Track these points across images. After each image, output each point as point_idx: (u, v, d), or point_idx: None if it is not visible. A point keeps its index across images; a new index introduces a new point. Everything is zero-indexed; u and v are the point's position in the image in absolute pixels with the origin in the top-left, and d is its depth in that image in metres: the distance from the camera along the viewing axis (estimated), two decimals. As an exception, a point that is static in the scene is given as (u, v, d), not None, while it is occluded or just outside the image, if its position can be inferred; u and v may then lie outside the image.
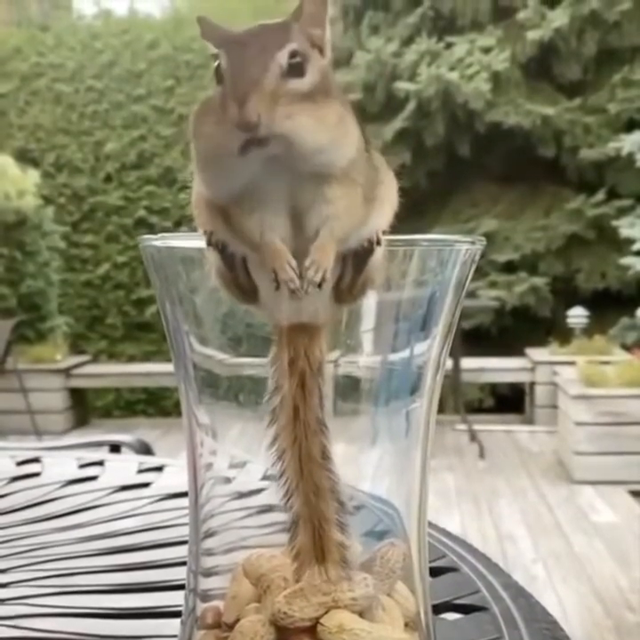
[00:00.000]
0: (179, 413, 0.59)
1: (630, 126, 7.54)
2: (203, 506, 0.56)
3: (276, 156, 0.43)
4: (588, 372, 5.46)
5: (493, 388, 7.61)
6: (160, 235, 0.54)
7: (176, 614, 0.61)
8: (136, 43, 8.64)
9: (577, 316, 7.03)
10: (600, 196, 7.84)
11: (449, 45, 8.16)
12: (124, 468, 1.25)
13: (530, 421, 6.86)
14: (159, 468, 1.25)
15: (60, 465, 1.27)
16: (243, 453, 0.56)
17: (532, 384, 6.88)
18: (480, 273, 7.60)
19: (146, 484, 1.16)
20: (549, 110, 7.91)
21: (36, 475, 1.22)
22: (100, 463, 1.28)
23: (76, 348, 8.16)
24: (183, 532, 0.61)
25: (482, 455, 5.82)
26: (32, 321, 7.55)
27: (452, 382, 6.19)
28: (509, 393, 7.41)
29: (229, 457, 0.57)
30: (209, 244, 0.48)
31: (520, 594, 0.78)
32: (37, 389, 6.89)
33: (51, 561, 0.89)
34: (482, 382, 7.37)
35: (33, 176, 7.42)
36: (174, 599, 0.72)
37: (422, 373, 0.55)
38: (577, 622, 3.27)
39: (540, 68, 8.18)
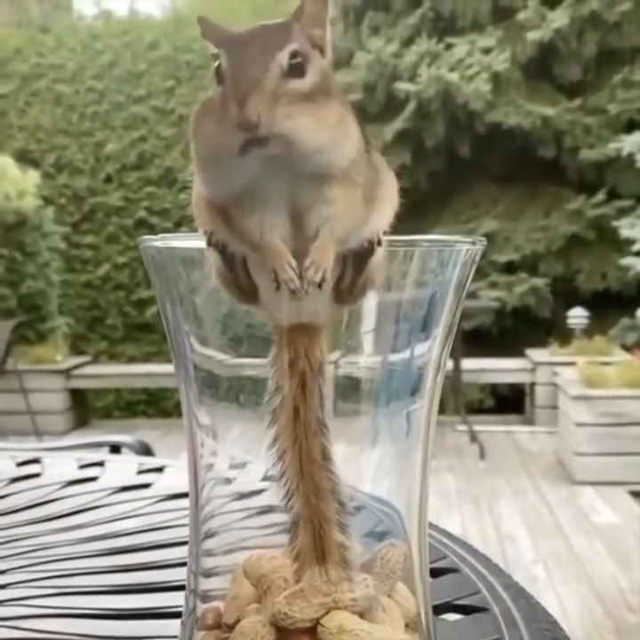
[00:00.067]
0: (179, 414, 0.59)
1: (630, 127, 7.54)
2: (203, 506, 0.56)
3: (276, 155, 0.43)
4: (589, 372, 5.46)
5: (494, 389, 7.61)
6: (160, 235, 0.54)
7: (176, 615, 0.61)
8: (136, 43, 8.65)
9: (577, 316, 7.03)
10: (600, 196, 7.84)
11: (449, 46, 8.16)
12: (124, 468, 1.25)
13: (530, 422, 6.86)
14: (159, 469, 1.24)
15: (60, 466, 1.27)
16: (243, 454, 0.56)
17: (533, 385, 6.88)
18: (480, 273, 7.60)
19: (146, 485, 1.16)
20: (549, 111, 7.91)
21: (37, 475, 1.22)
22: (101, 464, 1.28)
23: (76, 349, 8.17)
24: (183, 532, 0.61)
25: (482, 456, 5.82)
26: (32, 322, 7.55)
27: (453, 383, 6.19)
28: (510, 393, 7.41)
29: (230, 458, 0.57)
30: (209, 244, 0.48)
31: (520, 594, 0.78)
32: (38, 390, 6.89)
33: (51, 562, 0.89)
34: (482, 383, 7.37)
35: (33, 177, 7.42)
36: (175, 600, 0.72)
37: (423, 374, 0.55)
38: (577, 623, 3.27)
39: (541, 68, 8.18)
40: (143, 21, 8.96)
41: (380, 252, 0.49)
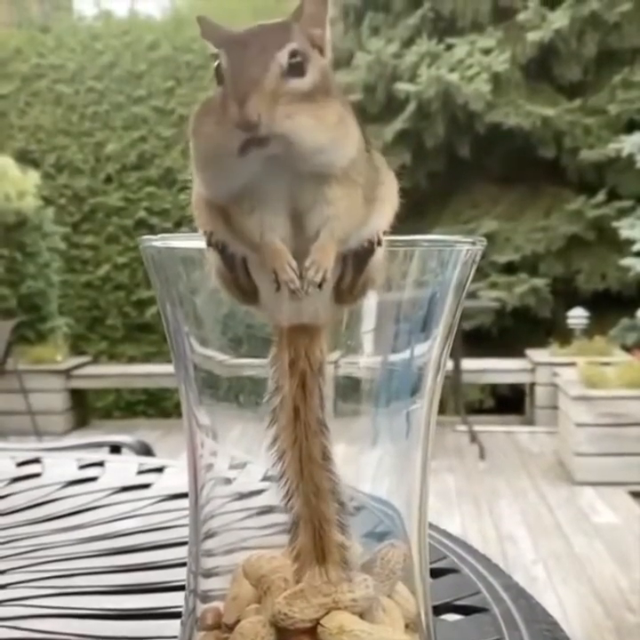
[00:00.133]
0: (179, 414, 0.59)
1: (630, 127, 7.55)
2: (203, 507, 0.56)
3: (275, 155, 0.43)
4: (589, 372, 5.46)
5: (494, 389, 7.61)
6: (160, 235, 0.54)
7: (176, 615, 0.61)
8: (136, 44, 8.65)
9: (577, 316, 7.04)
10: (600, 197, 7.84)
11: (449, 47, 8.16)
12: (124, 468, 1.25)
13: (530, 422, 6.86)
14: (159, 469, 1.24)
15: (60, 466, 1.27)
16: (243, 454, 0.56)
17: (533, 385, 6.88)
18: (480, 274, 7.60)
19: (146, 485, 1.16)
20: (549, 111, 7.92)
21: (37, 475, 1.22)
22: (101, 464, 1.28)
23: (76, 349, 8.17)
24: (183, 533, 0.61)
25: (482, 456, 5.82)
26: (32, 322, 7.55)
27: (453, 383, 6.19)
28: (510, 394, 7.41)
29: (230, 458, 0.57)
30: (209, 244, 0.48)
31: (520, 595, 0.78)
32: (38, 390, 6.90)
33: (51, 562, 0.89)
34: (482, 383, 7.38)
35: (33, 177, 7.42)
36: (174, 600, 0.72)
37: (423, 374, 0.55)
38: (577, 623, 3.27)
39: (541, 69, 8.18)
40: (143, 22, 8.96)
41: (380, 252, 0.49)
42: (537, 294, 7.85)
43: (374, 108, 8.18)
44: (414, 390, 0.55)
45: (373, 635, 0.50)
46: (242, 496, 0.57)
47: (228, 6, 7.88)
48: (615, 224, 7.24)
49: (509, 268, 7.96)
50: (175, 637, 0.59)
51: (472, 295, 7.16)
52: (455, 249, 0.53)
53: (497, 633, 0.70)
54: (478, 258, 0.55)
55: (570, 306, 7.26)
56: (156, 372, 7.26)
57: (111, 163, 8.62)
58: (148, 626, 0.74)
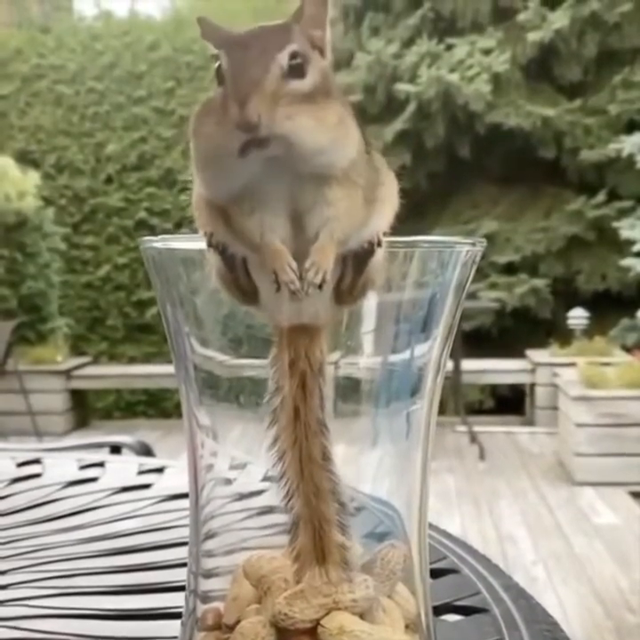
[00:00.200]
0: (179, 415, 0.59)
1: (631, 127, 7.55)
2: (203, 507, 0.56)
3: (276, 156, 0.43)
4: (589, 373, 5.46)
5: (494, 390, 7.61)
6: (161, 236, 0.54)
7: (177, 616, 0.61)
8: (137, 44, 8.65)
9: (577, 317, 7.03)
10: (600, 197, 7.84)
11: (449, 47, 8.16)
12: (124, 469, 1.25)
13: (530, 423, 6.86)
14: (160, 470, 1.24)
15: (60, 466, 1.27)
16: (243, 455, 0.56)
17: (533, 385, 6.88)
18: (480, 274, 7.60)
19: (146, 486, 1.16)
20: (550, 111, 7.92)
21: (37, 476, 1.22)
22: (101, 464, 1.28)
23: (76, 350, 8.17)
24: (184, 533, 0.61)
25: (482, 456, 5.82)
26: (33, 322, 7.55)
27: (453, 384, 6.19)
28: (510, 394, 7.41)
29: (230, 458, 0.57)
30: (209, 245, 0.48)
31: (520, 595, 0.78)
32: (38, 391, 6.89)
33: (51, 562, 0.89)
34: (482, 384, 7.37)
35: (33, 177, 7.42)
36: (175, 600, 0.72)
37: (423, 375, 0.55)
38: (577, 623, 3.27)
39: (541, 69, 8.18)
40: (143, 22, 8.96)
41: (380, 253, 0.49)
42: (537, 295, 7.84)
43: (374, 108, 8.18)
44: (414, 391, 0.55)
45: (373, 635, 0.50)
46: (242, 496, 0.57)
47: (229, 7, 7.88)
48: (615, 224, 7.24)
49: (509, 269, 7.96)
50: (175, 638, 0.59)
51: (472, 296, 7.16)
52: (455, 250, 0.53)
53: (497, 633, 0.70)
54: (478, 258, 0.55)
55: (570, 306, 7.25)
56: (156, 373, 7.26)
57: (111, 163, 8.62)
58: (149, 626, 0.74)
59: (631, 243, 6.93)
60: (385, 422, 0.56)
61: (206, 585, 0.57)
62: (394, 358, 0.55)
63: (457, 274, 0.54)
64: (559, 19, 7.85)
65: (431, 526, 0.85)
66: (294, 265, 0.45)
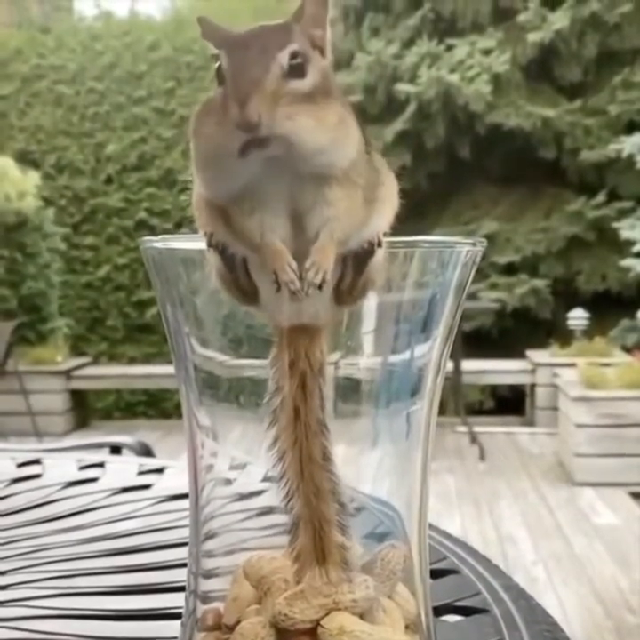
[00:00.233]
0: (179, 415, 0.59)
1: (631, 128, 7.55)
2: (203, 508, 0.56)
3: (276, 156, 0.43)
4: (589, 373, 5.46)
5: (494, 390, 7.61)
6: (161, 236, 0.54)
7: (177, 616, 0.61)
8: (137, 44, 8.65)
9: (577, 317, 7.04)
10: (600, 197, 7.84)
11: (449, 47, 8.16)
12: (124, 469, 1.25)
13: (530, 423, 6.86)
14: (160, 470, 1.24)
15: (60, 466, 1.27)
16: (243, 455, 0.56)
17: (533, 386, 6.88)
18: (481, 275, 7.60)
19: (146, 486, 1.16)
20: (550, 112, 7.92)
21: (37, 476, 1.22)
22: (101, 465, 1.28)
23: (76, 350, 8.17)
24: (184, 533, 0.61)
25: (482, 457, 5.82)
26: (33, 323, 7.55)
27: (453, 384, 6.19)
28: (510, 395, 7.41)
29: (230, 458, 0.57)
30: (209, 245, 0.48)
31: (521, 596, 0.78)
32: (38, 391, 6.89)
33: (51, 563, 0.89)
34: (482, 384, 7.37)
35: (33, 178, 7.42)
36: (175, 601, 0.72)
37: (423, 375, 0.55)
38: (577, 624, 3.27)
39: (541, 69, 8.18)
40: (144, 22, 8.96)
41: (380, 253, 0.49)
42: (537, 295, 7.84)
43: (374, 108, 8.18)
44: (414, 391, 0.55)
45: (374, 635, 0.50)
46: (242, 497, 0.57)
47: (229, 7, 7.88)
48: (615, 225, 7.25)
49: (510, 269, 7.96)
50: (175, 638, 0.59)
51: (472, 296, 7.16)
52: (455, 250, 0.53)
53: (497, 634, 0.70)
54: (478, 259, 0.55)
55: (570, 307, 7.26)
56: (156, 373, 7.26)
57: (111, 163, 8.62)
58: (149, 627, 0.74)
59: (631, 243, 6.93)
60: (385, 423, 0.56)
61: (206, 585, 0.57)
62: (394, 359, 0.55)
63: (457, 274, 0.54)
64: (559, 19, 7.85)
65: (431, 527, 0.85)
66: (294, 265, 0.45)
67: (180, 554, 0.81)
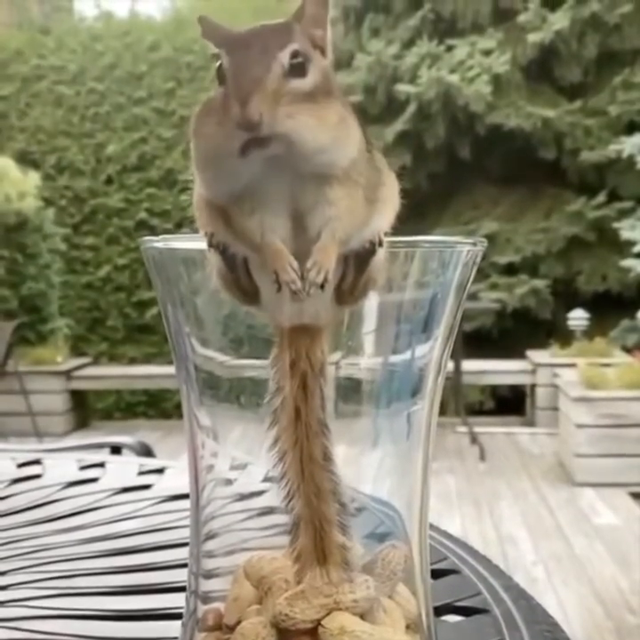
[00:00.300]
0: (180, 415, 0.58)
1: (631, 128, 7.55)
2: (204, 508, 0.56)
3: (277, 156, 0.43)
4: (589, 374, 5.46)
5: (494, 391, 7.61)
6: (161, 236, 0.54)
7: (177, 616, 0.61)
8: (137, 45, 8.65)
9: (577, 318, 7.04)
10: (601, 198, 7.84)
11: (449, 48, 8.16)
12: (124, 469, 1.25)
13: (530, 423, 6.86)
14: (160, 470, 1.24)
15: (60, 467, 1.27)
16: (244, 455, 0.56)
17: (533, 386, 6.88)
18: (481, 275, 7.60)
19: (147, 486, 1.16)
20: (550, 112, 7.92)
21: (37, 476, 1.22)
22: (101, 465, 1.28)
23: (76, 350, 8.17)
24: (184, 533, 0.61)
25: (482, 457, 5.82)
26: (33, 323, 7.55)
27: (453, 384, 6.19)
28: (510, 395, 7.41)
29: (230, 459, 0.57)
30: (210, 245, 0.48)
31: (521, 596, 0.78)
32: (38, 391, 6.90)
33: (52, 563, 0.89)
34: (483, 384, 7.38)
35: (34, 178, 7.42)
36: (175, 601, 0.72)
37: (423, 375, 0.55)
38: (578, 624, 3.27)
39: (541, 70, 8.19)
40: (144, 22, 8.97)
41: (381, 253, 0.49)
42: (537, 295, 7.84)
43: (375, 109, 8.19)
44: (415, 391, 0.55)
45: (374, 635, 0.50)
46: (243, 497, 0.57)
47: (229, 6, 7.87)
48: (616, 225, 7.25)
49: (510, 270, 7.96)
50: (176, 638, 0.59)
51: (473, 296, 7.16)
52: (456, 250, 0.53)
53: (497, 634, 0.70)
54: (479, 258, 0.55)
55: (570, 307, 7.26)
56: (156, 374, 7.27)
57: (112, 164, 8.62)
58: (150, 627, 0.74)
59: (631, 243, 6.93)
60: (386, 423, 0.56)
61: (207, 585, 0.57)
62: (395, 359, 0.55)
63: (458, 274, 0.54)
64: (559, 20, 7.85)
65: (432, 527, 0.85)
66: (295, 265, 0.45)
67: (181, 554, 0.81)
